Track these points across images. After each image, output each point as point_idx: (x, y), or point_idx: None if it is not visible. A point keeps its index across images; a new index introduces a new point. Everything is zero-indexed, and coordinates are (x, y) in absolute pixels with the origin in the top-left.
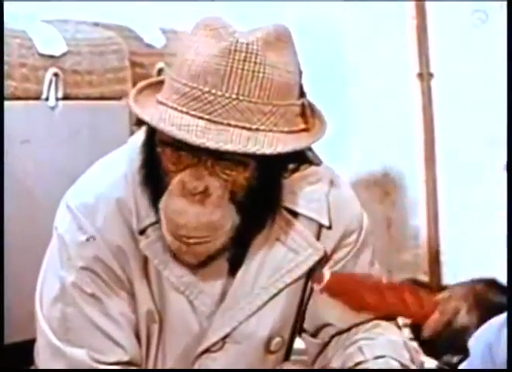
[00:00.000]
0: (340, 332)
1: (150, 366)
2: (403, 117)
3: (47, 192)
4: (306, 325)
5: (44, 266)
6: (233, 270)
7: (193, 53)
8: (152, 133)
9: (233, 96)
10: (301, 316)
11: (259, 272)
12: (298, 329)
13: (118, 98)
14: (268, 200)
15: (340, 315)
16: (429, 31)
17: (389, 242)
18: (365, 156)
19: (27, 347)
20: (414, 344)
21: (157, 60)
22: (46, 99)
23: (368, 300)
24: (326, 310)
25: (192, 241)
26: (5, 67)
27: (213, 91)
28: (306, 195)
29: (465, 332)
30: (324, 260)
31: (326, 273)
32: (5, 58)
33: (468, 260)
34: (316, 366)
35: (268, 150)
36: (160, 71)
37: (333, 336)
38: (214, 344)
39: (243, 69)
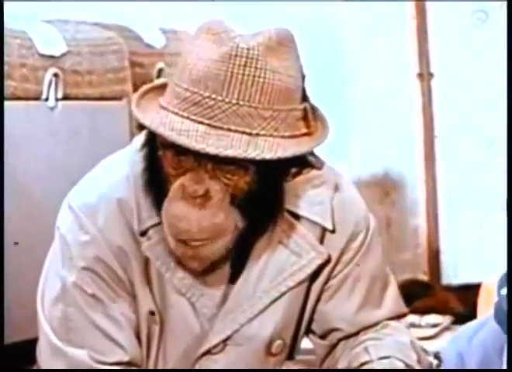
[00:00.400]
0: (348, 336)
1: (151, 367)
2: (403, 117)
3: (47, 192)
4: (314, 328)
5: (46, 265)
6: (235, 272)
7: (195, 58)
8: (153, 137)
9: (234, 101)
10: (308, 318)
11: (261, 275)
12: (304, 331)
13: (118, 98)
14: (269, 204)
15: (350, 320)
16: (429, 31)
17: (388, 242)
18: (365, 156)
19: (27, 347)
20: (422, 344)
21: (157, 60)
22: (46, 99)
23: None
24: (335, 315)
25: (196, 243)
26: (5, 67)
27: (213, 96)
28: (309, 198)
29: None
30: (329, 263)
31: None
32: (5, 58)
33: (467, 260)
34: (324, 367)
35: (268, 155)
36: (160, 71)
37: (340, 339)
38: (215, 346)
39: (243, 74)
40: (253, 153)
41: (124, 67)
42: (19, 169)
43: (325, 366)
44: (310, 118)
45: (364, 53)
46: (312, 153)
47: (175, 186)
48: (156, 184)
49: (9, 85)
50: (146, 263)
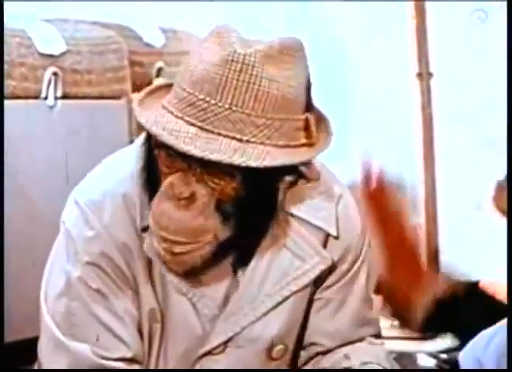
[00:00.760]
0: (327, 351)
1: (152, 364)
2: (402, 116)
3: (46, 191)
4: None
5: (50, 260)
6: (236, 273)
7: (197, 60)
8: (150, 135)
9: (226, 106)
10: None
11: (265, 278)
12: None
13: (117, 97)
14: (258, 211)
15: (332, 337)
16: (428, 30)
17: None
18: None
19: (26, 346)
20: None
21: (156, 59)
22: (46, 98)
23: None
24: (319, 330)
25: (176, 250)
26: (5, 67)
27: (207, 98)
28: (314, 204)
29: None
30: (332, 269)
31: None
32: (5, 57)
33: (466, 259)
34: None
35: (254, 163)
36: (159, 70)
37: (319, 353)
38: (216, 347)
39: (238, 79)
40: (238, 160)
41: (123, 66)
42: (18, 168)
43: None
44: (312, 130)
45: (363, 53)
46: (307, 164)
47: (165, 184)
48: (152, 182)
49: (9, 84)
50: (149, 260)
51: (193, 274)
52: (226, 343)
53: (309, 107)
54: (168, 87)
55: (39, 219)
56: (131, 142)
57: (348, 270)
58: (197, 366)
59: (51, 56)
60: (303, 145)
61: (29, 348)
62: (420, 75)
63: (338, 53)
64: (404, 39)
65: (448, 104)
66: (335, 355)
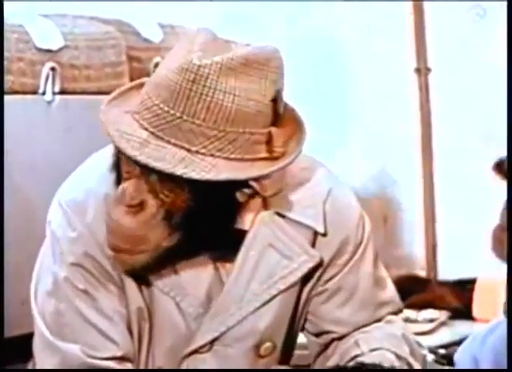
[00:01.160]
0: (342, 336)
1: (142, 362)
2: (400, 112)
3: (43, 187)
4: (308, 327)
5: (39, 260)
6: (218, 270)
7: (163, 63)
8: None
9: (178, 114)
10: (299, 321)
11: (251, 278)
12: (297, 333)
13: None
14: (210, 224)
15: (345, 323)
16: (427, 26)
17: (386, 238)
18: (363, 151)
19: (22, 342)
20: (419, 339)
21: (154, 54)
22: (43, 93)
23: None
24: (330, 319)
25: (118, 253)
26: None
27: (161, 105)
28: (301, 202)
29: None
30: (321, 267)
31: None
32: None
33: (464, 256)
34: (317, 364)
35: (196, 176)
36: (157, 66)
37: (334, 339)
38: (202, 346)
39: (191, 89)
40: (180, 170)
41: (121, 62)
42: (16, 162)
43: (318, 363)
44: (274, 144)
45: (362, 49)
46: (266, 176)
47: (119, 188)
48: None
49: (7, 79)
50: None
51: (177, 273)
52: (212, 342)
53: (276, 120)
54: (141, 87)
55: (37, 215)
56: None
57: (350, 259)
58: (184, 365)
59: (49, 51)
60: (264, 159)
61: (24, 344)
62: (418, 70)
63: (338, 52)
64: (402, 34)
65: (446, 99)
66: (348, 342)
